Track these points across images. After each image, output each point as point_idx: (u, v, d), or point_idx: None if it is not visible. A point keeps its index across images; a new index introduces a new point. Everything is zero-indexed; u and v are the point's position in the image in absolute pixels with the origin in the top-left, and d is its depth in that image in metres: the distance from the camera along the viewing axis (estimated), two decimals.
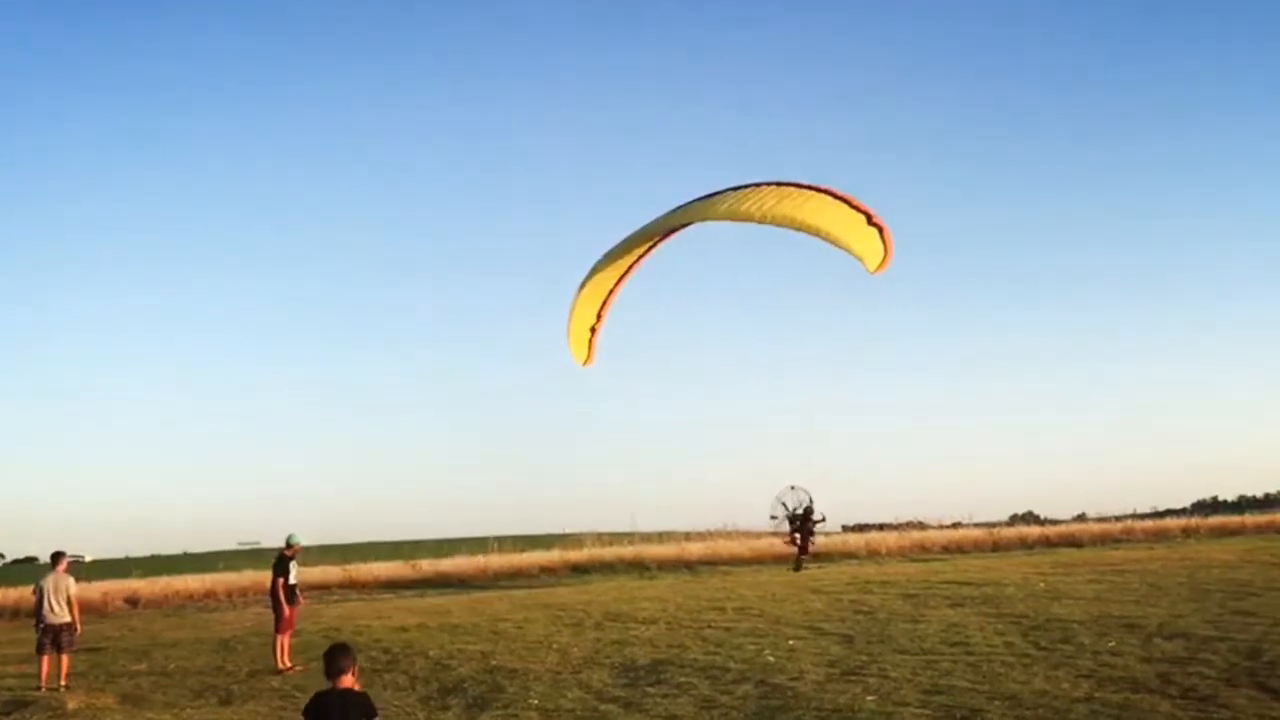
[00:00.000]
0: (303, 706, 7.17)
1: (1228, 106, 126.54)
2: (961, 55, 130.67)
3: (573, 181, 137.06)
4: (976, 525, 51.71)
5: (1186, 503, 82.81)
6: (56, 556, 16.88)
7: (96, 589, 35.18)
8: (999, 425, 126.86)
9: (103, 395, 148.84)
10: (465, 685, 14.23)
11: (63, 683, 16.02)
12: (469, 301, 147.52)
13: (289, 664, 16.95)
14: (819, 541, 36.09)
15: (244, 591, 35.93)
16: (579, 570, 39.48)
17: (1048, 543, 42.79)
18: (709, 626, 18.18)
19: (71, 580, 16.76)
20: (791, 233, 13.42)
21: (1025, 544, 42.69)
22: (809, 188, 13.48)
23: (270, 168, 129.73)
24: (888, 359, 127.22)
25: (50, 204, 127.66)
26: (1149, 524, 47.99)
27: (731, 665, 14.19)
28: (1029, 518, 65.50)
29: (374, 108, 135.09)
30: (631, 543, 46.86)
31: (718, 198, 14.13)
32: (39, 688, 15.85)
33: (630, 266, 15.95)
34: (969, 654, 13.88)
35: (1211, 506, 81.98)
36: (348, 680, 7.08)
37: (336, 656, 7.17)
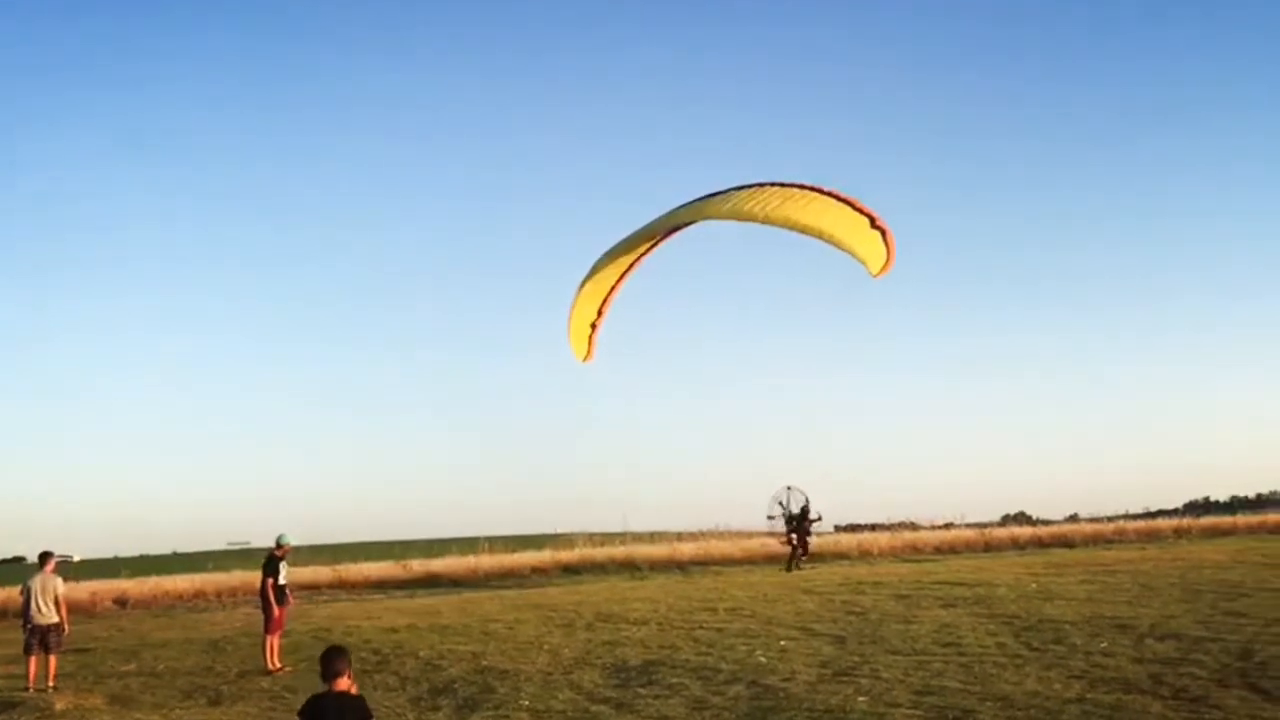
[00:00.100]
0: (298, 709, 7.12)
1: (1228, 107, 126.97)
2: (961, 55, 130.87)
3: (568, 181, 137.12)
4: (968, 525, 51.74)
5: (1179, 503, 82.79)
6: (44, 556, 16.78)
7: (85, 589, 34.97)
8: (991, 425, 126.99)
9: (92, 395, 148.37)
10: (456, 686, 14.19)
11: (50, 683, 15.94)
12: (461, 302, 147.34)
13: (279, 664, 16.88)
14: (811, 542, 36.08)
15: (234, 592, 35.76)
16: (570, 571, 39.42)
17: (1040, 543, 42.81)
18: (701, 627, 18.14)
19: (59, 580, 16.68)
20: (790, 233, 13.42)
21: (1017, 544, 42.72)
22: (813, 189, 13.47)
23: (267, 166, 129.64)
24: (880, 360, 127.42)
25: (49, 202, 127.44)
26: (1141, 524, 48.04)
27: (723, 666, 14.16)
28: (1021, 518, 65.51)
29: (374, 107, 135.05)
30: (623, 543, 46.76)
31: (721, 197, 14.12)
32: (26, 688, 15.76)
33: (632, 264, 15.96)
34: (961, 655, 13.87)
35: (1203, 507, 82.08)
36: (343, 683, 7.03)
37: (332, 659, 7.12)
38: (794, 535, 32.86)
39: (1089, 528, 48.42)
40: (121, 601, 34.58)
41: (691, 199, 14.72)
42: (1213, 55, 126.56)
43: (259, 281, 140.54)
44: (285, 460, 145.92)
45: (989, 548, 41.70)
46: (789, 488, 32.82)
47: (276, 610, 17.18)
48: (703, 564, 39.37)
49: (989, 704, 10.94)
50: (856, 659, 14.03)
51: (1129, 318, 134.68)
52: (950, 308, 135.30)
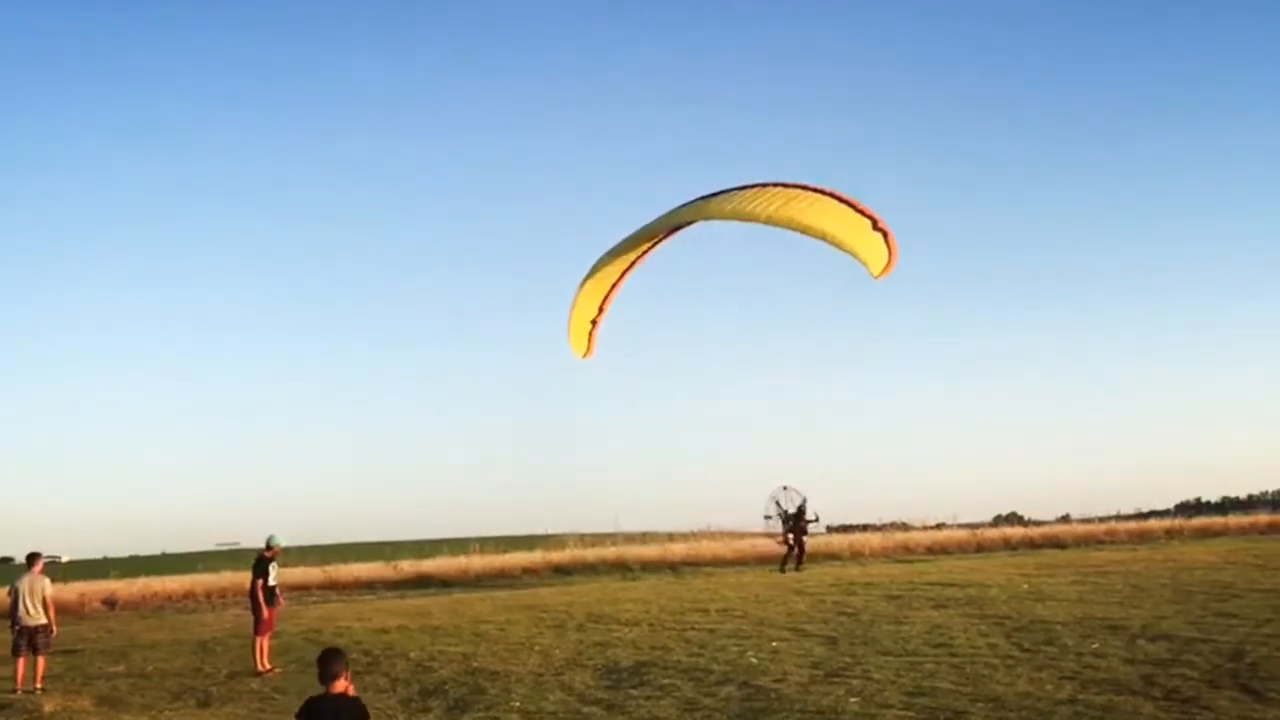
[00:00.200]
0: (295, 711, 7.08)
1: (1228, 107, 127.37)
2: (961, 55, 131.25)
3: (566, 182, 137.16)
4: (960, 526, 51.78)
5: (1170, 504, 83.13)
6: (32, 557, 16.68)
7: (73, 590, 34.88)
8: (983, 426, 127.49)
9: (81, 395, 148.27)
10: (446, 687, 14.14)
11: (39, 685, 15.84)
12: (455, 303, 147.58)
13: (268, 666, 16.82)
14: (807, 542, 36.08)
15: (223, 593, 35.69)
16: (561, 571, 39.39)
17: (1031, 544, 42.89)
18: (692, 628, 18.11)
19: (47, 581, 16.57)
20: (789, 233, 13.41)
21: (1009, 545, 42.78)
22: (815, 190, 13.48)
23: (266, 164, 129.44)
24: (873, 361, 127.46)
25: (45, 200, 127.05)
26: (1132, 525, 48.20)
27: (715, 667, 14.13)
28: (1013, 518, 65.68)
29: (375, 107, 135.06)
30: (614, 543, 46.81)
31: (723, 196, 14.12)
32: (15, 690, 15.65)
33: (633, 263, 15.97)
34: (952, 655, 13.85)
35: (1195, 508, 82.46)
36: (340, 685, 6.99)
37: (330, 661, 7.07)
38: (790, 535, 32.87)
39: (1080, 528, 48.55)
40: (110, 602, 34.46)
41: (693, 198, 14.71)
42: (1213, 55, 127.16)
43: (252, 284, 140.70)
44: (275, 461, 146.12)
45: (981, 548, 41.76)
46: (785, 488, 32.83)
47: (266, 611, 17.12)
48: (694, 565, 39.35)
49: (980, 705, 10.91)
50: (848, 660, 14.00)
51: (1122, 319, 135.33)
52: (944, 309, 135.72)
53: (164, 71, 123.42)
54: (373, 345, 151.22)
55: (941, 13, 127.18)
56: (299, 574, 38.42)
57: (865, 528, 52.35)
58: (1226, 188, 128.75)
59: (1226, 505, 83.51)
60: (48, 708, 14.37)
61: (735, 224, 14.43)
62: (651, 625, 18.79)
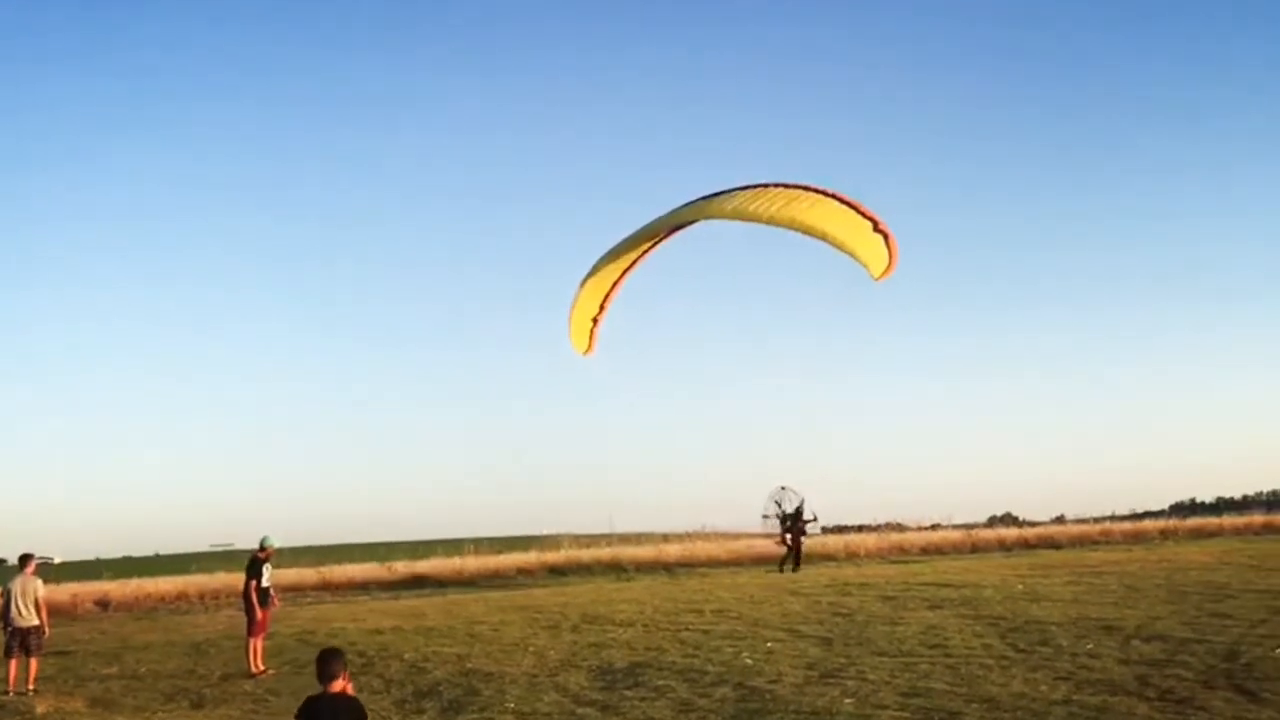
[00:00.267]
0: (295, 711, 7.11)
1: (1228, 107, 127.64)
2: (961, 55, 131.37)
3: (564, 182, 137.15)
4: (955, 527, 51.93)
5: (1164, 504, 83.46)
6: (25, 558, 16.61)
7: (66, 591, 34.76)
8: (978, 427, 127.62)
9: (74, 394, 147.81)
10: (440, 688, 14.10)
11: (31, 686, 15.78)
12: (449, 304, 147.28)
13: (262, 667, 16.76)
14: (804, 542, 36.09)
15: (217, 594, 35.58)
16: (556, 572, 39.38)
17: (1026, 544, 42.97)
18: (687, 629, 18.09)
19: (40, 583, 16.51)
20: (786, 233, 13.44)
21: (1003, 546, 42.86)
22: (817, 191, 13.50)
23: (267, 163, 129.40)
24: (868, 361, 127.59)
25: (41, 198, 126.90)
26: (1127, 526, 48.31)
27: (709, 668, 14.10)
28: (1007, 519, 65.87)
29: (375, 107, 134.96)
30: (609, 544, 46.80)
31: (725, 196, 14.14)
32: (7, 692, 15.60)
33: (635, 261, 15.98)
34: (947, 656, 13.84)
35: (1189, 508, 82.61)
36: (339, 685, 7.03)
37: (328, 661, 7.11)
38: (789, 535, 32.90)
39: (1075, 529, 48.67)
40: (103, 604, 34.38)
41: (695, 198, 14.72)
42: (1213, 55, 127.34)
43: (246, 284, 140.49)
44: (270, 462, 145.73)
45: (975, 549, 41.84)
46: (783, 488, 32.87)
47: (260, 613, 17.06)
48: (689, 565, 39.37)
49: (975, 705, 10.90)
50: (843, 660, 13.98)
51: (1118, 321, 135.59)
52: (940, 311, 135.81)
53: (165, 69, 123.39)
54: (368, 346, 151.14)
55: (941, 13, 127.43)
56: (293, 575, 38.34)
57: (860, 528, 52.47)
58: (1227, 189, 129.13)
59: (1221, 506, 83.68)
60: (40, 709, 14.31)
61: (734, 224, 14.47)
62: (646, 626, 18.76)
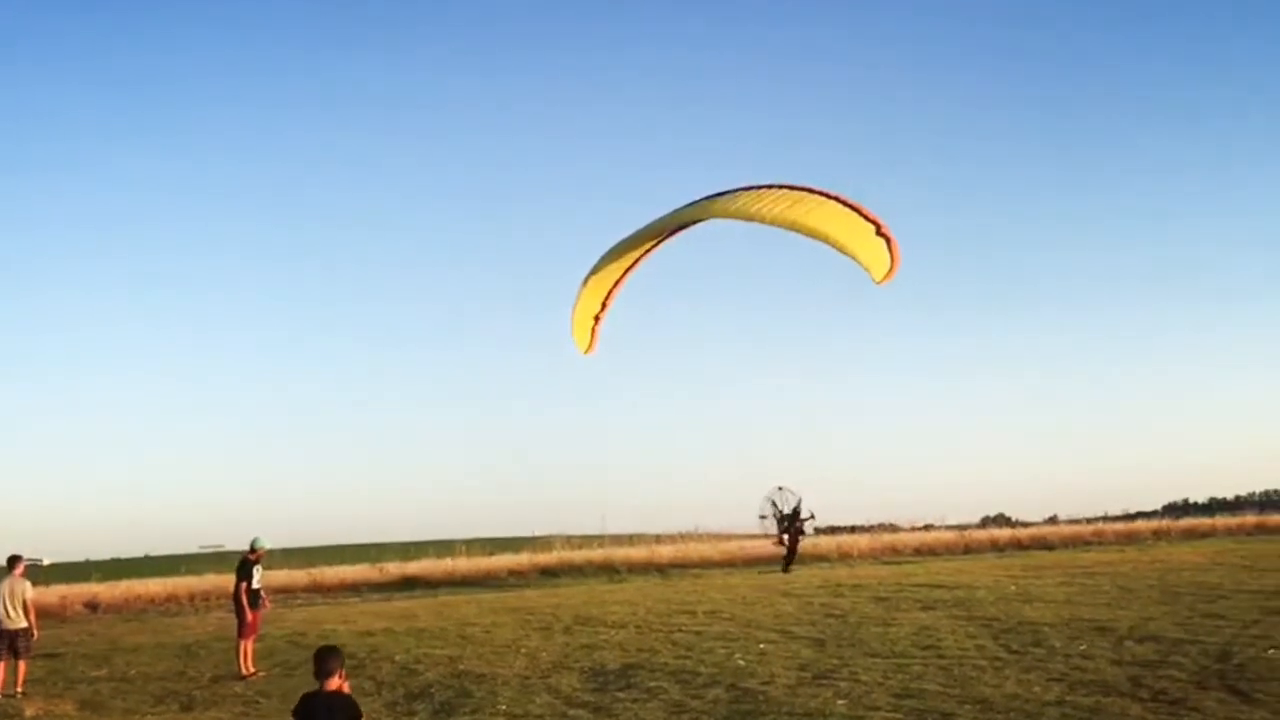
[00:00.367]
0: (291, 709, 7.21)
1: (1228, 107, 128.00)
2: (961, 55, 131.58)
3: (556, 183, 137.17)
4: (948, 527, 52.04)
5: (1157, 505, 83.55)
6: (13, 560, 16.50)
7: (55, 593, 34.64)
8: (971, 428, 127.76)
9: (64, 395, 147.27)
10: (432, 690, 14.03)
11: (19, 689, 15.66)
12: (441, 305, 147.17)
13: (253, 669, 16.67)
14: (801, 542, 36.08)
15: (207, 596, 35.51)
16: (548, 573, 39.32)
17: (1019, 545, 43.03)
18: (679, 630, 18.05)
19: (28, 584, 16.40)
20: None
21: (996, 546, 42.91)
22: (820, 193, 13.54)
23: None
24: (861, 362, 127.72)
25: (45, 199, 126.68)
26: (1120, 526, 48.42)
27: (702, 669, 14.06)
28: (1000, 520, 65.93)
29: (375, 107, 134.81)
30: (601, 545, 46.74)
31: (728, 197, 14.16)
32: None
33: (638, 259, 15.99)
34: (940, 657, 13.82)
35: (1182, 509, 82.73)
36: (334, 683, 7.13)
37: (325, 659, 7.19)
38: (786, 535, 32.93)
39: (1068, 529, 48.76)
40: (92, 605, 34.26)
41: (698, 198, 14.74)
42: (1213, 55, 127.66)
43: (237, 286, 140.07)
44: (260, 463, 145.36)
45: (968, 550, 41.89)
46: (780, 488, 32.89)
47: (250, 615, 16.97)
48: (681, 566, 39.35)
49: (968, 707, 10.87)
50: (836, 662, 13.95)
51: (1112, 322, 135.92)
52: (932, 312, 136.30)
53: (164, 71, 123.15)
54: (360, 347, 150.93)
55: (941, 13, 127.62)
56: (283, 576, 38.26)
57: (853, 529, 52.43)
58: (1227, 189, 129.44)
59: (1214, 506, 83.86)
60: (29, 712, 14.21)
61: (730, 226, 14.52)
62: (639, 627, 18.72)
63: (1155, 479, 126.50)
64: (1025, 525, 57.77)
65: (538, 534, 58.97)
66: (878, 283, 13.46)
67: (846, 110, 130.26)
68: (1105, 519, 58.00)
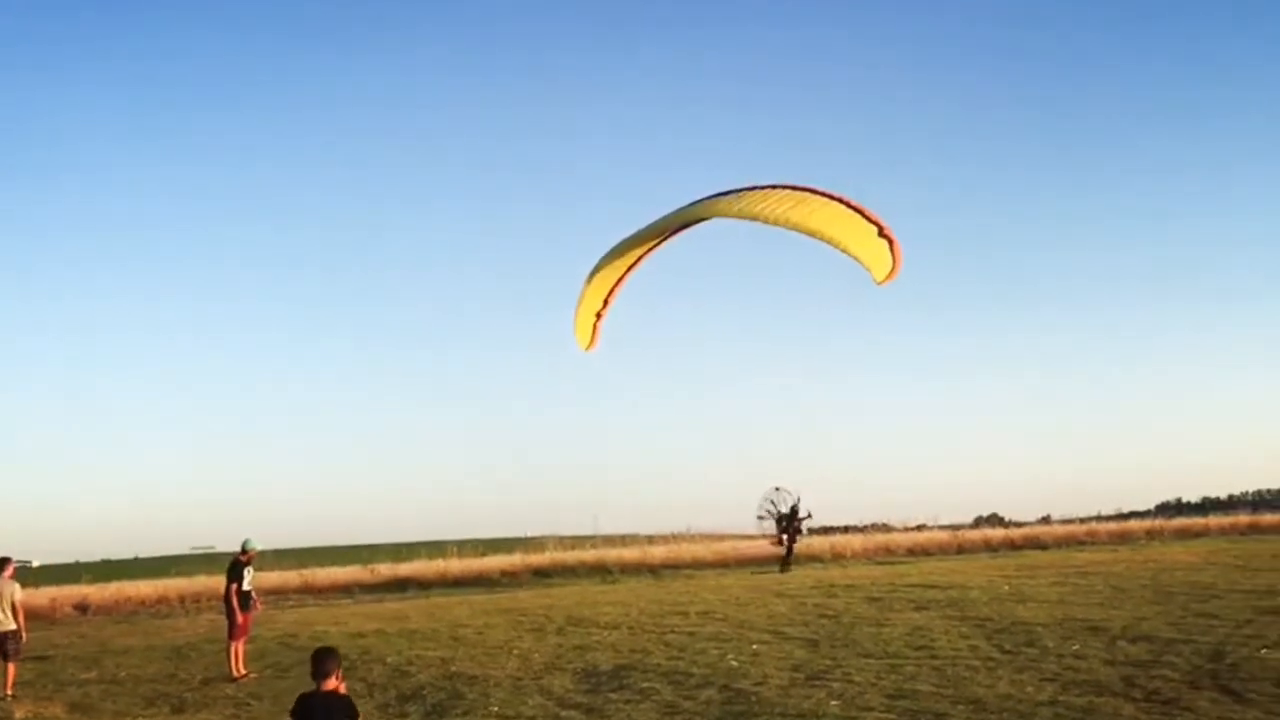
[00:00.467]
0: (289, 710, 7.29)
1: (1228, 107, 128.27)
2: (962, 55, 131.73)
3: (552, 183, 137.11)
4: (941, 527, 51.99)
5: (1150, 504, 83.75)
6: (2, 562, 16.40)
7: (44, 595, 34.54)
8: (964, 427, 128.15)
9: (53, 396, 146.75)
10: (424, 692, 13.98)
11: (9, 692, 15.58)
12: (431, 305, 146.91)
13: (244, 671, 16.61)
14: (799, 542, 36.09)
15: (198, 597, 35.35)
16: (540, 574, 39.27)
17: (1012, 545, 43.05)
18: (672, 631, 18.02)
19: (17, 586, 16.33)
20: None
21: (990, 546, 42.91)
22: (824, 194, 13.61)
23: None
24: (855, 363, 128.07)
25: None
26: (1113, 526, 48.46)
27: (695, 670, 14.03)
28: (993, 519, 66.04)
29: (375, 107, 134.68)
30: (594, 546, 46.70)
31: (733, 196, 14.21)
32: None
33: (640, 257, 16.02)
34: (933, 658, 13.81)
35: (1175, 508, 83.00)
36: (331, 683, 7.20)
37: (321, 659, 7.27)
38: (784, 535, 32.95)
39: (1061, 529, 48.81)
40: (82, 607, 34.12)
41: (700, 198, 14.78)
42: (1214, 56, 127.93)
43: (227, 286, 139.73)
44: (251, 464, 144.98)
45: (961, 550, 41.90)
46: (777, 488, 32.92)
47: (241, 616, 16.90)
48: (674, 567, 39.31)
49: (961, 707, 10.86)
50: (829, 662, 13.93)
51: (1105, 322, 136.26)
52: (926, 312, 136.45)
53: (164, 72, 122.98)
54: (353, 348, 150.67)
55: (941, 13, 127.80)
56: (275, 578, 38.17)
57: (846, 529, 52.42)
58: (1227, 189, 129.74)
59: (1207, 506, 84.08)
60: (18, 715, 14.15)
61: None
62: (631, 628, 18.69)
63: (1148, 478, 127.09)
64: (1018, 525, 57.88)
65: (530, 535, 59.04)
66: (879, 283, 13.57)
67: (846, 110, 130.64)
68: (1098, 519, 58.10)
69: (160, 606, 34.84)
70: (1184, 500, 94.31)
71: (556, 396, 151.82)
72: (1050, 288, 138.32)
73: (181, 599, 35.61)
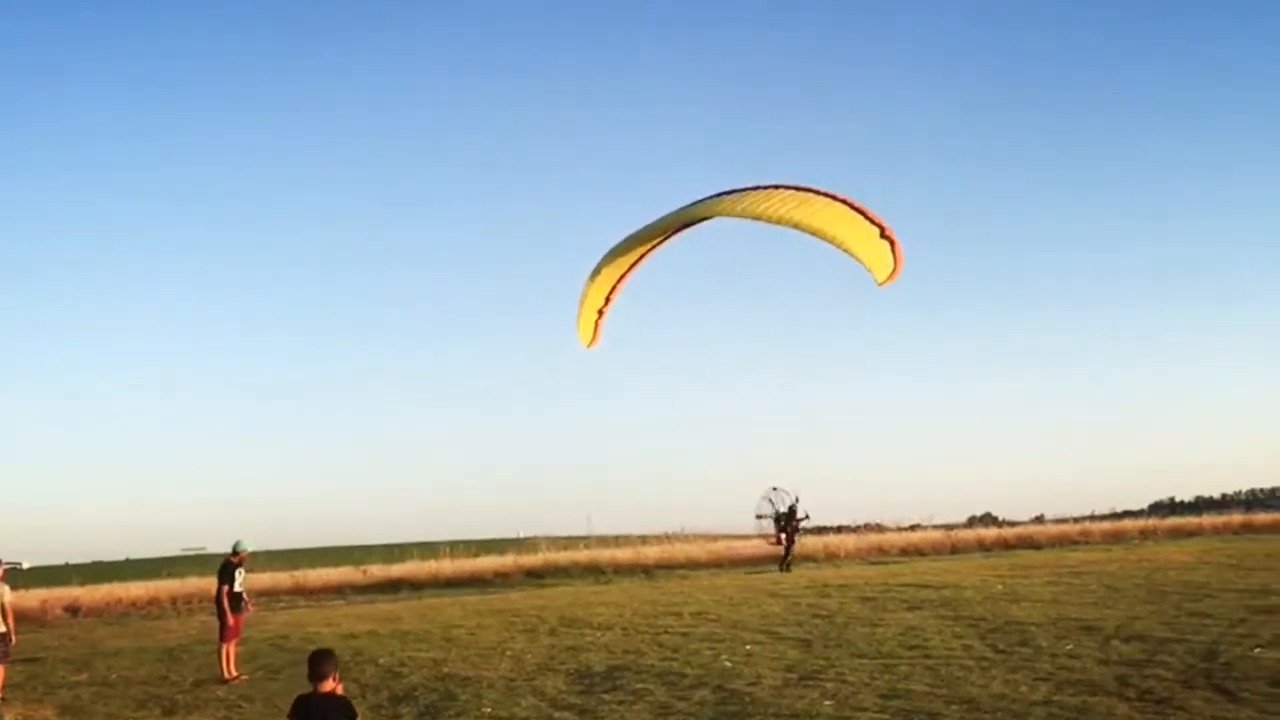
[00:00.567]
0: (287, 711, 7.34)
1: (1228, 107, 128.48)
2: (962, 55, 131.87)
3: (547, 184, 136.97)
4: (935, 527, 52.01)
5: (1144, 504, 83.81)
6: None
7: (35, 597, 34.41)
8: (957, 427, 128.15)
9: (44, 397, 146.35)
10: (416, 693, 13.93)
11: None
12: (424, 306, 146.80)
13: (235, 673, 16.54)
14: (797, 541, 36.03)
15: (189, 599, 35.18)
16: (534, 575, 39.18)
17: (1005, 545, 43.06)
18: (666, 632, 17.99)
19: (7, 589, 16.20)
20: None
21: (983, 546, 42.92)
22: (827, 195, 13.66)
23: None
24: (848, 362, 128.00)
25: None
26: (1106, 525, 48.46)
27: (688, 671, 14.00)
28: (987, 519, 65.99)
29: (375, 107, 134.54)
30: (587, 546, 46.60)
31: (736, 195, 14.26)
32: None
33: (643, 256, 16.04)
34: (927, 658, 13.79)
35: (1169, 508, 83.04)
36: (329, 684, 7.22)
37: (319, 661, 7.29)
38: (783, 535, 32.96)
39: (1055, 529, 48.78)
40: (73, 609, 33.93)
41: (704, 196, 14.80)
42: (1214, 56, 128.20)
43: (218, 286, 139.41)
44: (243, 465, 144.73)
45: (955, 549, 41.89)
46: (775, 488, 32.92)
47: (232, 618, 16.84)
48: (668, 567, 39.25)
49: (955, 707, 10.84)
50: (822, 663, 13.91)
51: (1097, 322, 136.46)
52: (920, 312, 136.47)
53: (163, 72, 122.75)
54: (345, 349, 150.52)
55: (941, 13, 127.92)
56: (266, 579, 38.05)
57: (840, 529, 52.36)
58: (1228, 189, 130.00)
59: (1200, 505, 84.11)
60: (9, 717, 14.09)
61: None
62: (624, 629, 18.66)
63: (1142, 478, 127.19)
64: (1012, 525, 57.83)
65: (523, 535, 58.92)
66: (880, 284, 13.69)
67: (847, 111, 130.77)
68: (1092, 518, 58.10)
69: (151, 608, 34.68)
70: (1177, 500, 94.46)
71: (549, 397, 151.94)
72: (1044, 288, 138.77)
73: (173, 601, 35.44)
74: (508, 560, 41.94)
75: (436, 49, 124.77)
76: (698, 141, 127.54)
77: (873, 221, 13.58)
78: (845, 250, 13.39)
